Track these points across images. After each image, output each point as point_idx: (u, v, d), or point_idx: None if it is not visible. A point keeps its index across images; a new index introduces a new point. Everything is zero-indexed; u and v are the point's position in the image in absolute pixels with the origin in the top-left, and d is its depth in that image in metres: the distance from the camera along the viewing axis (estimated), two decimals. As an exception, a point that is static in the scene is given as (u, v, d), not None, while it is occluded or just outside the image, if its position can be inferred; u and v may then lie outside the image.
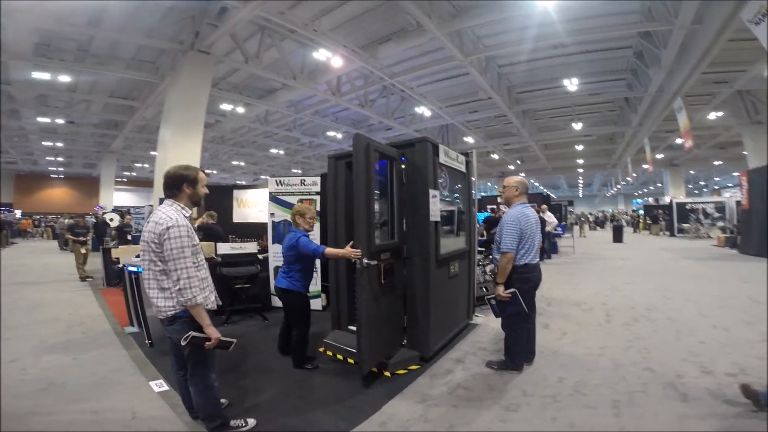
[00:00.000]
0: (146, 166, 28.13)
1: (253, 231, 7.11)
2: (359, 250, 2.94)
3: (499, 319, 3.43)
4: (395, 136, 17.99)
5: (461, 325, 4.40)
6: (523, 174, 34.38)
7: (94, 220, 15.72)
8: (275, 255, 5.77)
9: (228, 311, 5.28)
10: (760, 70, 11.39)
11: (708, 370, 3.34)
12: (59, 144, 21.80)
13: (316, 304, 5.52)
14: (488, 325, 4.76)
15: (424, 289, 3.35)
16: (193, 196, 2.30)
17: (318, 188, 5.85)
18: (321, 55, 10.06)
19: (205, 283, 2.25)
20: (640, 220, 25.66)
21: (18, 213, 29.23)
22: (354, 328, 3.78)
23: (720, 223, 17.57)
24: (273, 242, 5.89)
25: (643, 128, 17.87)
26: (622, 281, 7.70)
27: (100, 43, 10.21)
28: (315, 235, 5.64)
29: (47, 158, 26.40)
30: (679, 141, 22.10)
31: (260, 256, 5.93)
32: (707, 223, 18.63)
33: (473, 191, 4.73)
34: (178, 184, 2.25)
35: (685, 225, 19.20)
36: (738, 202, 15.68)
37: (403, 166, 3.48)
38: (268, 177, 6.28)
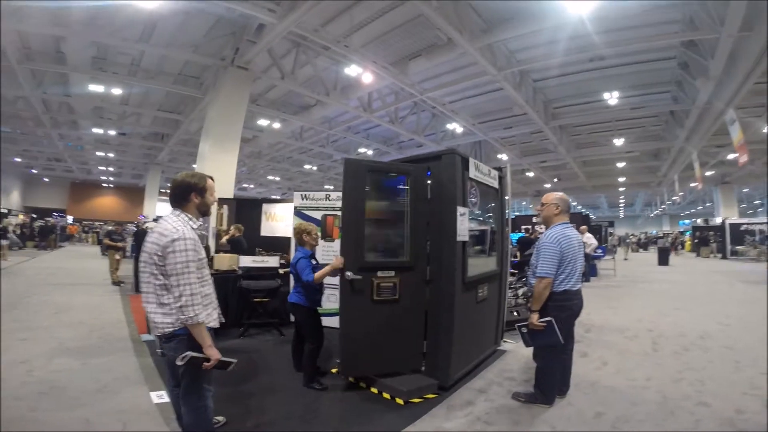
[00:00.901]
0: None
1: (278, 245, 7.18)
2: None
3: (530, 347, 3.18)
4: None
5: (488, 352, 4.14)
6: (560, 193, 33.22)
7: (135, 228, 16.52)
8: None
9: (245, 324, 5.32)
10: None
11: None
12: (111, 154, 23.30)
13: (335, 322, 5.41)
14: (518, 351, 4.46)
15: (448, 314, 3.16)
16: (201, 205, 2.17)
17: None
18: (352, 71, 10.19)
19: (209, 300, 2.13)
20: (686, 241, 23.88)
21: (70, 219, 31.29)
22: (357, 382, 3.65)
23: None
24: (296, 257, 5.90)
25: (690, 143, 16.80)
26: (669, 306, 7.13)
27: (150, 58, 10.86)
28: (338, 251, 5.62)
29: (100, 168, 28.23)
30: (731, 156, 20.67)
31: (282, 271, 5.91)
32: (766, 245, 17.15)
33: (506, 209, 4.49)
34: (185, 193, 2.12)
35: (740, 247, 17.74)
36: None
37: (428, 181, 3.34)
38: (294, 192, 6.31)
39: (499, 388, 3.47)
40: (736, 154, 20.01)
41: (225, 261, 5.78)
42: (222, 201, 8.63)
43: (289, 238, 6.36)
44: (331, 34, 8.95)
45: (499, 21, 8.87)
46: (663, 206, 36.64)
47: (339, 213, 5.76)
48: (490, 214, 4.29)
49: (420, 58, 9.86)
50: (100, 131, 17.81)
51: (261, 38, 9.12)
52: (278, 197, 30.27)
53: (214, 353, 2.00)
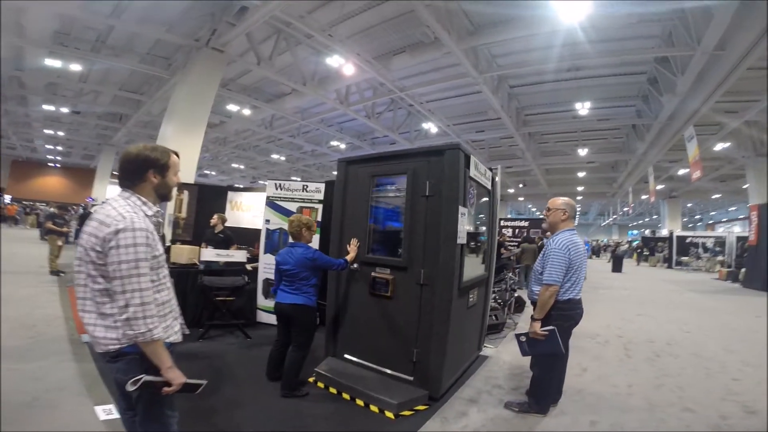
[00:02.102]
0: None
1: (244, 237, 6.60)
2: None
3: (514, 352, 3.08)
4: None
5: (472, 358, 4.02)
6: (521, 198, 34.27)
7: (83, 211, 15.22)
8: (267, 266, 5.32)
9: (206, 325, 4.73)
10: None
11: (752, 410, 3.16)
12: (61, 133, 21.46)
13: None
14: (499, 357, 4.40)
15: (442, 323, 2.97)
16: (161, 187, 1.66)
17: (321, 196, 5.46)
18: (334, 61, 9.84)
19: (168, 309, 1.64)
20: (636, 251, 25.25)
21: (8, 198, 28.54)
22: (352, 358, 3.43)
23: (720, 258, 17.36)
24: (265, 251, 5.44)
25: (647, 157, 17.73)
26: (632, 312, 7.39)
27: (120, 34, 10.02)
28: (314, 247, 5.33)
29: (47, 146, 25.94)
30: (682, 172, 22.10)
31: (249, 266, 5.42)
32: (706, 256, 18.44)
33: (496, 211, 4.39)
34: (140, 169, 1.60)
35: (685, 258, 19.02)
36: (739, 238, 15.53)
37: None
38: (267, 181, 5.85)
39: (489, 396, 3.35)
40: (687, 170, 21.50)
41: (184, 253, 5.20)
42: (182, 186, 8.01)
43: (257, 231, 5.90)
44: (317, 21, 8.59)
45: (486, 24, 8.86)
46: (615, 216, 38.72)
47: (317, 206, 5.45)
48: (482, 215, 4.17)
49: (404, 54, 9.68)
50: (52, 108, 16.30)
51: (242, 21, 8.60)
52: (244, 186, 29.13)
53: (175, 376, 1.53)
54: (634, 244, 28.84)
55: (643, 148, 16.56)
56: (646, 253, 21.98)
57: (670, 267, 19.70)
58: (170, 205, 8.26)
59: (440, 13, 7.84)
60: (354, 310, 3.48)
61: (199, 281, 4.87)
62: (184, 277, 4.91)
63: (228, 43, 9.52)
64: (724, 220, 33.21)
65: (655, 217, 36.48)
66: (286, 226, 5.41)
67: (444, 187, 3.01)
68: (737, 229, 25.42)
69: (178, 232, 7.45)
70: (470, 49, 9.39)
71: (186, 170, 9.62)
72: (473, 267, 3.69)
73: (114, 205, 1.53)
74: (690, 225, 40.05)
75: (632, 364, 4.34)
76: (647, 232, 32.93)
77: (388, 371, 3.22)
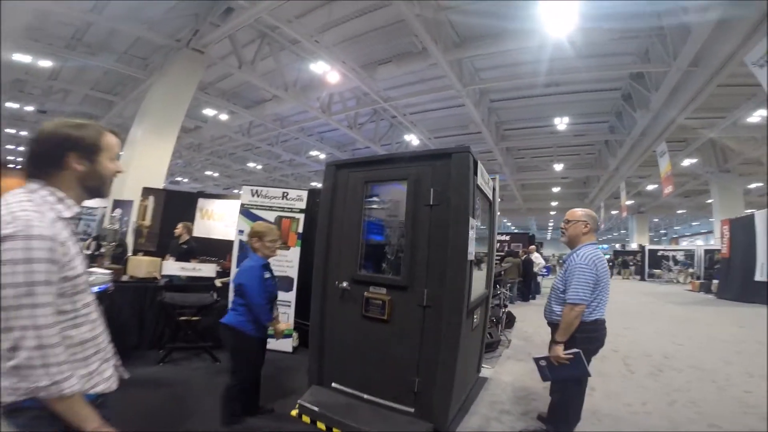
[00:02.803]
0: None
1: (215, 249, 6.07)
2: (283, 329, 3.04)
3: (513, 372, 2.75)
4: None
5: (473, 382, 3.65)
6: (498, 213, 34.59)
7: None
8: None
9: (167, 348, 4.15)
10: (738, 117, 11.68)
11: None
12: (24, 132, 19.98)
13: (286, 345, 4.63)
14: (499, 378, 4.05)
15: (450, 350, 2.57)
16: (89, 176, 1.19)
17: (303, 205, 5.00)
18: (319, 67, 9.47)
19: (91, 349, 1.16)
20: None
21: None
22: (341, 387, 2.99)
23: (690, 270, 17.82)
24: (238, 265, 4.88)
25: (619, 172, 18.14)
26: (619, 325, 7.18)
27: (98, 31, 9.30)
28: (293, 262, 4.84)
29: (7, 146, 24.18)
30: (650, 187, 22.81)
31: (218, 282, 4.84)
32: (677, 269, 18.92)
33: (495, 223, 4.08)
34: (56, 152, 1.14)
35: (657, 270, 19.47)
36: (706, 251, 15.97)
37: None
38: (242, 187, 5.29)
39: (500, 424, 3.01)
40: (656, 185, 22.20)
41: (142, 266, 4.55)
42: (148, 191, 7.38)
43: (229, 242, 5.35)
44: (304, 27, 8.26)
45: (472, 37, 8.77)
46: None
47: (298, 216, 5.00)
48: (484, 227, 3.83)
49: (390, 64, 9.47)
50: (16, 106, 15.14)
51: (226, 22, 8.20)
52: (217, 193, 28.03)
53: None
54: (606, 257, 29.42)
55: (615, 163, 16.90)
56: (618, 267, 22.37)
57: (643, 279, 20.08)
58: (133, 212, 7.63)
59: (429, 24, 7.66)
60: (343, 334, 3.04)
61: (160, 298, 4.26)
62: (142, 293, 4.30)
63: (209, 44, 9.09)
64: (688, 234, 34.57)
65: (623, 231, 37.61)
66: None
67: (452, 195, 2.65)
68: (700, 243, 26.40)
69: (140, 242, 6.82)
70: (455, 61, 9.27)
71: (155, 175, 9.05)
72: (477, 284, 3.34)
73: (9, 200, 1.04)
74: (656, 239, 41.51)
75: (636, 380, 4.11)
76: (617, 246, 33.78)
77: (385, 402, 2.79)
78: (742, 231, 10.50)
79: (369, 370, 2.89)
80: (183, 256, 5.14)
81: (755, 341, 5.70)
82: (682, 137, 14.63)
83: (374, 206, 3.20)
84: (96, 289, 3.13)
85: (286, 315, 4.67)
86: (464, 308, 2.60)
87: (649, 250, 21.09)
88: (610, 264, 23.41)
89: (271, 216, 5.00)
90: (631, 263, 21.83)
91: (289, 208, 5.05)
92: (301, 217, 5.01)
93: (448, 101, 11.91)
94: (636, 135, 13.16)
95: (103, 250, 5.66)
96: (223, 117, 13.82)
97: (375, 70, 9.77)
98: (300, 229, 4.98)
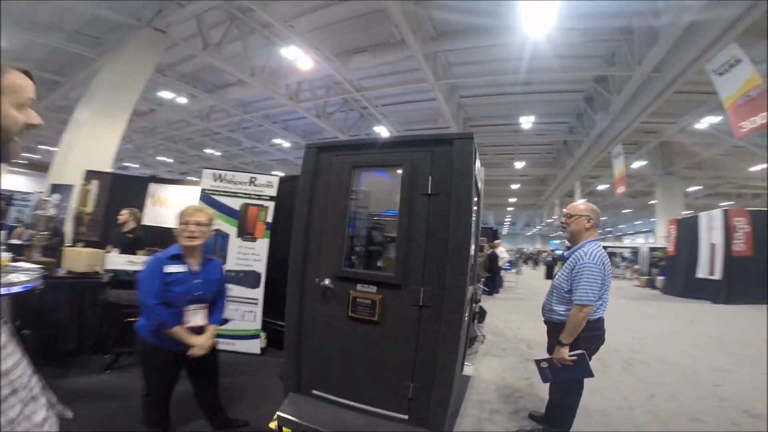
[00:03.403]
0: (54, 149, 23.86)
1: (168, 239, 5.44)
2: (201, 344, 2.19)
3: (493, 369, 2.61)
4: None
5: (459, 382, 3.41)
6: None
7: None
8: None
9: (114, 352, 3.60)
10: (688, 123, 12.37)
11: (756, 414, 3.11)
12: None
13: (254, 347, 4.20)
14: (481, 377, 3.89)
15: (449, 353, 2.30)
16: None
17: (274, 192, 4.54)
18: (290, 52, 8.88)
19: (5, 389, 0.74)
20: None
21: None
22: (324, 394, 2.64)
23: (636, 266, 18.86)
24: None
25: (575, 172, 18.87)
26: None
27: (48, 8, 8.25)
28: (261, 255, 4.37)
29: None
30: (601, 187, 23.97)
31: None
32: (623, 265, 19.98)
33: (481, 216, 3.86)
34: None
35: (606, 266, 20.54)
36: (651, 248, 16.95)
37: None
38: (203, 170, 4.72)
39: (492, 425, 2.87)
40: (607, 185, 23.30)
41: (81, 258, 3.85)
42: (92, 174, 6.57)
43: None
44: (279, 11, 7.69)
45: (448, 32, 8.59)
46: (539, 226, 41.34)
47: (267, 204, 4.53)
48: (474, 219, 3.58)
49: (365, 53, 9.07)
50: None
51: (194, 2, 7.61)
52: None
53: None
54: (557, 252, 30.72)
55: (572, 163, 17.54)
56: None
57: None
58: (73, 197, 6.80)
59: (409, 15, 7.40)
60: (325, 338, 2.68)
61: (103, 296, 3.68)
62: (81, 291, 3.66)
63: (172, 24, 8.34)
64: (631, 232, 36.89)
65: (573, 228, 39.40)
66: (225, 227, 4.55)
67: (454, 184, 2.35)
68: (641, 241, 28.19)
69: (81, 231, 6.06)
70: (431, 54, 9.09)
71: (101, 159, 8.20)
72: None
73: None
74: (602, 237, 44.07)
75: (612, 375, 4.09)
76: (568, 242, 35.37)
77: (375, 410, 2.48)
78: (687, 231, 11.11)
79: (356, 376, 2.55)
80: (128, 246, 4.48)
81: (707, 336, 5.94)
82: (634, 140, 15.39)
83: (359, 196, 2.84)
84: (17, 289, 2.53)
85: (252, 314, 4.23)
86: (464, 307, 2.33)
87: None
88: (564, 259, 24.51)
89: (235, 203, 4.52)
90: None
91: (257, 195, 4.55)
92: (271, 205, 4.54)
93: (420, 94, 11.72)
94: (594, 136, 13.63)
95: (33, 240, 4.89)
96: (182, 100, 12.77)
97: (350, 59, 9.34)
98: (269, 219, 4.51)
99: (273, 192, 4.58)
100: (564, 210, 2.71)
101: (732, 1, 6.12)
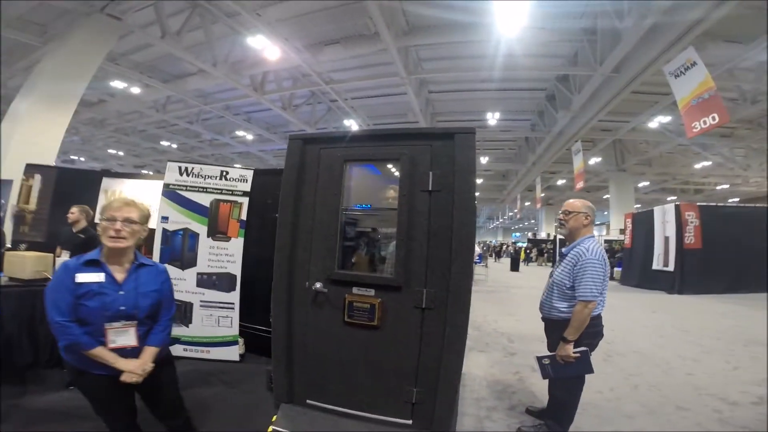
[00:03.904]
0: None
1: None
2: (133, 369, 1.68)
3: (479, 364, 2.63)
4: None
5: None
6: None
7: None
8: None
9: (75, 370, 3.11)
10: (641, 122, 13.07)
11: (732, 401, 3.22)
12: None
13: (232, 354, 3.92)
14: (471, 372, 3.84)
15: (455, 355, 2.19)
16: None
17: (248, 187, 4.18)
18: (257, 42, 8.41)
19: None
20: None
21: None
22: (320, 404, 2.46)
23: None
24: (162, 261, 3.90)
25: (536, 168, 19.51)
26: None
27: None
28: (235, 256, 4.03)
29: None
30: (560, 182, 24.99)
31: None
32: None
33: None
34: None
35: (566, 257, 21.43)
36: (606, 240, 17.85)
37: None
38: (169, 163, 4.30)
39: (493, 423, 2.82)
40: (564, 181, 24.32)
41: (27, 263, 3.30)
42: (33, 168, 5.89)
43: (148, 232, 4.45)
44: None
45: (421, 27, 8.50)
46: (501, 220, 42.62)
47: (241, 200, 4.19)
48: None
49: (337, 45, 8.81)
50: None
51: None
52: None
53: None
54: (519, 245, 31.83)
55: (533, 159, 18.11)
56: (532, 255, 24.07)
57: (554, 265, 21.88)
58: (12, 194, 6.10)
59: (384, 8, 7.23)
60: (319, 345, 2.48)
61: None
62: (30, 300, 3.14)
63: (128, 11, 7.74)
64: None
65: (532, 221, 41.06)
66: (193, 225, 4.19)
67: (457, 180, 2.23)
68: (595, 233, 29.64)
69: (23, 231, 5.45)
70: (403, 48, 8.95)
71: (44, 151, 7.54)
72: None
73: None
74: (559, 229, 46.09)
75: (595, 367, 4.15)
76: (530, 235, 36.77)
77: (377, 416, 2.33)
78: (642, 224, 11.75)
79: (354, 383, 2.39)
80: (80, 248, 3.98)
81: (671, 326, 6.21)
82: (590, 138, 16.11)
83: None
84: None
85: (229, 319, 3.93)
86: (469, 308, 2.22)
87: (560, 239, 23.08)
88: (527, 252, 25.27)
89: (205, 199, 4.12)
90: (545, 251, 23.71)
91: (229, 191, 4.17)
92: (245, 201, 4.19)
93: (391, 89, 11.57)
94: (555, 134, 14.08)
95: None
96: (135, 90, 11.84)
97: (320, 50, 9.02)
98: (243, 216, 4.18)
99: (247, 187, 4.23)
100: (561, 207, 2.67)
101: (693, 1, 6.36)
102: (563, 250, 2.61)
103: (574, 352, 2.31)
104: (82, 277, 1.69)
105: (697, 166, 18.09)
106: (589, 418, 2.88)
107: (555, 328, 2.51)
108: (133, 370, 1.69)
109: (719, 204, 12.22)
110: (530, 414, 2.93)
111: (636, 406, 3.12)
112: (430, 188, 2.31)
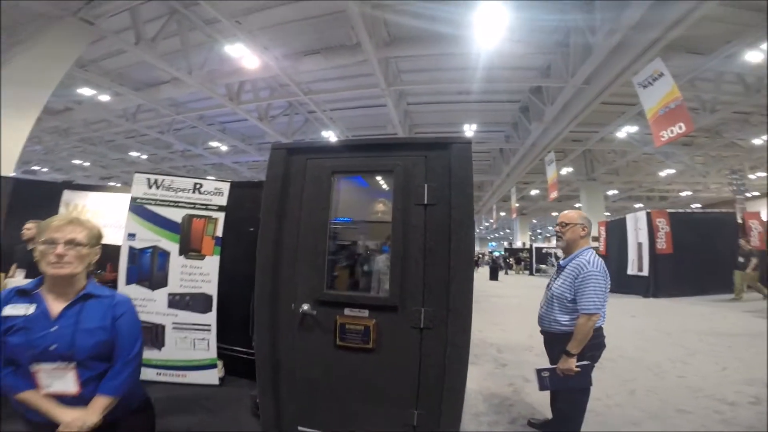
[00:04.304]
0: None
1: None
2: (71, 422, 1.33)
3: (476, 378, 2.66)
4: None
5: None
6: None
7: None
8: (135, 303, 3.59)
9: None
10: (609, 132, 13.51)
11: (731, 402, 3.21)
12: None
13: (211, 377, 3.63)
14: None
15: (457, 375, 2.04)
16: None
17: (224, 201, 3.89)
18: (235, 50, 8.19)
19: None
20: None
21: None
22: (310, 430, 2.25)
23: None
24: (129, 281, 3.65)
25: (510, 178, 19.87)
26: (534, 320, 7.52)
27: None
28: (211, 275, 3.73)
29: None
30: (533, 192, 25.55)
31: None
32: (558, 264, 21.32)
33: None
34: None
35: (543, 266, 21.81)
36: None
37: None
38: (136, 174, 3.94)
39: None
40: (538, 191, 24.86)
41: None
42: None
43: (109, 247, 4.09)
44: (228, 7, 7.11)
45: (402, 38, 8.50)
46: (478, 230, 43.18)
47: (216, 215, 3.91)
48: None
49: (318, 55, 8.67)
50: None
51: None
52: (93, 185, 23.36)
53: None
54: (495, 254, 32.22)
55: (507, 170, 18.42)
56: (511, 262, 24.32)
57: (531, 274, 22.25)
58: None
59: (366, 19, 7.17)
60: (308, 370, 2.28)
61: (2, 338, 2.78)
62: None
63: (102, 16, 7.41)
64: (558, 233, 39.72)
65: (507, 230, 41.77)
66: (163, 243, 3.81)
67: (454, 193, 2.11)
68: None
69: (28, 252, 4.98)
70: (383, 59, 8.91)
71: (1, 161, 6.96)
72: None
73: None
74: (533, 238, 47.23)
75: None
76: (506, 244, 37.35)
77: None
78: (616, 231, 12.06)
79: (349, 408, 2.21)
80: (36, 267, 3.61)
81: (653, 329, 6.30)
82: (562, 148, 16.56)
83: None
84: None
85: (205, 341, 3.64)
86: (470, 327, 2.08)
87: (537, 248, 23.55)
88: (506, 261, 25.56)
89: (176, 214, 3.82)
90: (522, 260, 24.06)
91: (203, 205, 3.86)
92: (221, 216, 3.90)
93: (370, 100, 11.52)
94: (528, 145, 14.37)
95: None
96: (104, 98, 11.29)
97: (300, 60, 8.86)
98: (219, 233, 3.91)
99: (223, 201, 3.95)
100: (558, 219, 2.62)
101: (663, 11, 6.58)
102: (561, 262, 2.54)
103: (577, 366, 2.24)
104: (8, 310, 1.42)
105: (662, 174, 18.87)
106: (594, 425, 2.80)
107: (556, 341, 2.44)
108: (70, 423, 1.33)
109: (687, 210, 12.71)
110: (532, 426, 2.86)
111: (637, 412, 3.09)
112: (425, 202, 2.18)
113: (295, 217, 2.45)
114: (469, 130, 13.77)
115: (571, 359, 2.24)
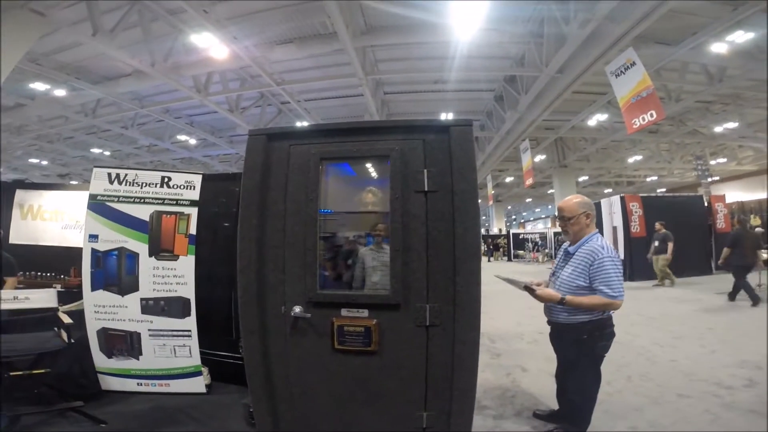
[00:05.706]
0: None
1: (49, 261, 4.41)
2: None
3: (481, 369, 2.41)
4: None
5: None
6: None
7: None
8: (100, 310, 3.28)
9: (7, 416, 2.52)
10: (580, 119, 13.72)
11: (727, 385, 3.22)
12: None
13: (197, 385, 3.36)
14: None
15: (468, 373, 1.91)
16: None
17: (196, 195, 3.52)
18: (202, 40, 7.68)
19: None
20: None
21: None
22: None
23: (546, 250, 20.59)
24: (95, 287, 3.31)
25: (485, 166, 20.03)
26: (523, 306, 7.40)
27: None
28: (186, 277, 3.39)
29: None
30: (508, 179, 25.88)
31: (63, 310, 3.21)
32: (543, 250, 21.60)
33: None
34: None
35: (520, 252, 22.14)
36: (555, 233, 18.67)
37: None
38: (95, 169, 3.54)
39: None
40: (512, 178, 25.19)
41: None
42: None
43: (73, 250, 3.79)
44: None
45: (379, 27, 8.25)
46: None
47: (188, 211, 3.54)
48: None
49: (291, 45, 8.28)
50: None
51: None
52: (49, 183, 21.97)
53: None
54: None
55: (482, 158, 18.54)
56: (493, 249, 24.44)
57: (509, 260, 22.53)
58: None
59: (343, 7, 6.86)
60: (305, 376, 2.07)
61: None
62: None
63: (55, 7, 6.78)
64: (532, 219, 40.77)
65: (484, 217, 42.29)
66: (130, 244, 3.41)
67: (456, 178, 1.93)
68: (540, 226, 31.16)
69: None
70: (360, 48, 8.62)
71: None
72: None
73: None
74: (508, 224, 48.10)
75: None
76: (483, 231, 37.85)
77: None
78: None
79: (352, 413, 2.03)
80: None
81: (636, 314, 6.26)
82: (535, 136, 16.75)
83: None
84: None
85: (187, 348, 3.34)
86: (480, 322, 1.93)
87: (514, 234, 23.90)
88: (489, 248, 25.75)
89: (144, 212, 3.44)
90: (501, 246, 24.32)
91: (173, 200, 3.48)
92: (193, 212, 3.53)
93: (347, 90, 11.22)
94: (503, 133, 14.45)
95: None
96: (60, 93, 10.45)
97: (272, 50, 8.43)
98: (192, 230, 3.56)
99: (195, 195, 3.57)
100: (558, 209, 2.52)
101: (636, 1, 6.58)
102: (570, 248, 2.42)
103: (585, 357, 2.34)
104: None
105: (630, 160, 19.46)
106: (599, 413, 2.73)
107: (563, 332, 2.40)
108: None
109: (658, 194, 13.06)
110: (539, 418, 2.78)
111: (640, 398, 3.06)
112: (425, 189, 1.99)
113: (279, 210, 2.20)
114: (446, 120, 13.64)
115: (557, 302, 2.24)
